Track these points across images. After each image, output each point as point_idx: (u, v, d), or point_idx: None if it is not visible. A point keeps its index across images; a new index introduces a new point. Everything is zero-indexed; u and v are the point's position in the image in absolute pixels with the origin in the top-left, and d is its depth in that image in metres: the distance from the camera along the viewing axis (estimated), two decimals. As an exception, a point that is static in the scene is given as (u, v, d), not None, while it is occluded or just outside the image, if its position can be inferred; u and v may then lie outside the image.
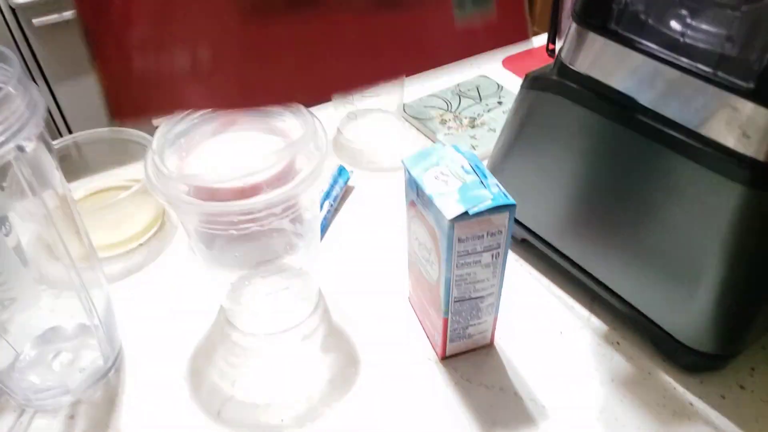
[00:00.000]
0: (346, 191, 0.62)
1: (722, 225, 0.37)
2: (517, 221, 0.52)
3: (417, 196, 0.41)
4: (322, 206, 0.58)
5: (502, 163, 0.52)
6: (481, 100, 0.74)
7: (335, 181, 0.60)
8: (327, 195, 0.59)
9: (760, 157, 0.34)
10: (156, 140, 0.42)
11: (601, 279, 0.46)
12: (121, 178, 0.59)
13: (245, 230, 0.41)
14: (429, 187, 0.39)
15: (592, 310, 0.48)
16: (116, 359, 0.47)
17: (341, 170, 0.61)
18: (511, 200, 0.38)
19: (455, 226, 0.37)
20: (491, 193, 0.38)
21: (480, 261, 0.40)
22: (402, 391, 0.44)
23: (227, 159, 0.43)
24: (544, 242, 0.50)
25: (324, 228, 0.57)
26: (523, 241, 0.52)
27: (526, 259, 0.53)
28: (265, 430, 0.42)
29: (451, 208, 0.37)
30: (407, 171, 0.41)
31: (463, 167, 0.40)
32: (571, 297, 0.49)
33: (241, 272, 0.50)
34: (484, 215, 0.38)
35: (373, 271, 0.53)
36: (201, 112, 0.43)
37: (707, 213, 0.38)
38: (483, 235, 0.38)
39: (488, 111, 0.71)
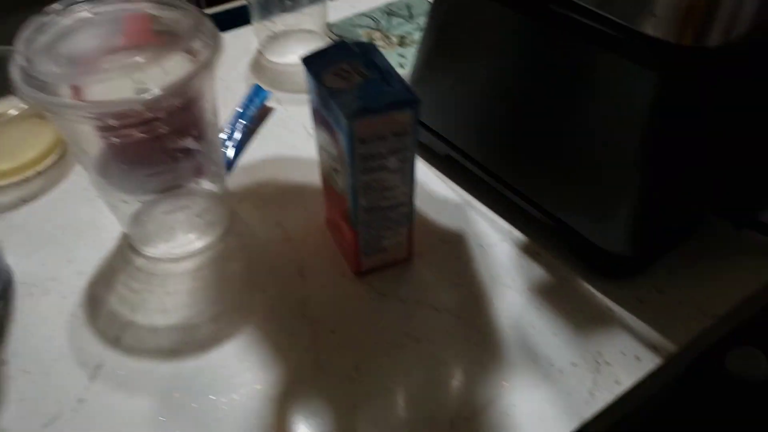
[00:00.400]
0: (266, 113, 0.58)
1: (639, 118, 0.35)
2: (439, 135, 0.49)
3: (318, 97, 0.38)
4: (235, 126, 0.55)
5: (421, 75, 0.49)
6: (412, 18, 0.70)
7: (250, 101, 0.56)
8: (241, 115, 0.55)
9: (670, 39, 0.32)
10: (20, 43, 0.38)
11: (521, 190, 0.45)
12: (12, 103, 0.54)
13: (128, 137, 0.37)
14: (328, 85, 0.36)
15: (513, 223, 0.47)
16: (4, 290, 0.43)
17: (257, 89, 0.58)
18: (415, 96, 0.35)
19: (355, 124, 0.34)
20: (394, 89, 0.35)
21: (386, 166, 0.37)
22: (313, 309, 0.41)
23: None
24: (465, 156, 0.48)
25: (239, 149, 0.54)
26: (447, 157, 0.50)
27: (450, 176, 0.51)
28: (166, 354, 0.39)
29: (349, 105, 0.34)
30: (306, 69, 0.38)
31: (365, 64, 0.37)
32: (493, 212, 0.48)
33: (144, 197, 0.46)
34: (386, 112, 0.35)
35: (289, 195, 0.50)
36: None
37: (623, 106, 0.36)
38: (387, 136, 0.36)
39: (419, 30, 0.68)
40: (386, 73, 0.36)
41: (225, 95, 0.60)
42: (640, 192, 0.37)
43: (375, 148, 0.36)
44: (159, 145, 0.42)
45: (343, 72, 0.37)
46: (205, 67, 0.37)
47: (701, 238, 0.44)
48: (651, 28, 0.32)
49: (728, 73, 0.35)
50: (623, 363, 0.37)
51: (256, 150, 0.55)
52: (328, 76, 0.37)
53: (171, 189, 0.45)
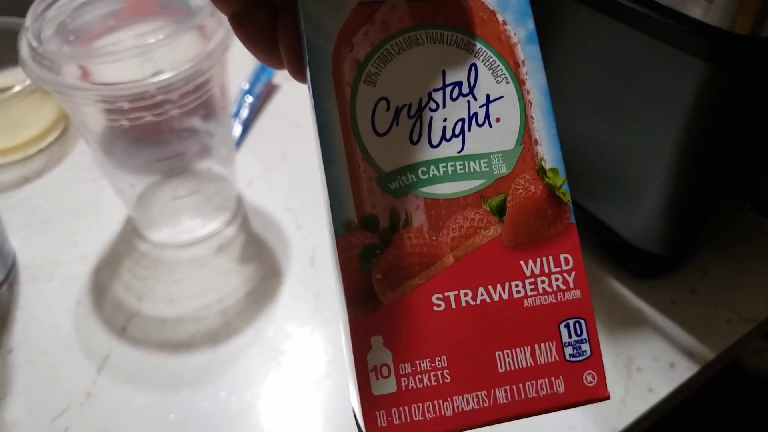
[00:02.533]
0: (271, 90, 0.55)
1: (680, 108, 0.33)
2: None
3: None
4: (241, 104, 0.52)
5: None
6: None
7: (257, 78, 0.54)
8: (248, 92, 0.53)
9: (724, 26, 0.30)
10: (29, 19, 0.35)
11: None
12: (17, 76, 0.52)
13: (138, 120, 0.35)
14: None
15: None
16: (8, 273, 0.42)
17: (264, 66, 0.55)
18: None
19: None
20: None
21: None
22: (325, 301, 0.39)
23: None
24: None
25: (245, 129, 0.51)
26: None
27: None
28: (174, 347, 0.37)
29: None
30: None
31: None
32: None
33: (150, 179, 0.44)
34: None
35: (299, 178, 0.48)
36: None
37: (664, 96, 0.33)
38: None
39: None
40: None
41: (231, 72, 0.57)
42: (678, 186, 0.35)
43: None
44: (167, 126, 0.39)
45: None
46: (221, 48, 0.34)
47: (736, 236, 0.42)
48: (702, 14, 0.30)
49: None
50: (656, 369, 0.35)
51: (263, 129, 0.52)
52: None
53: (178, 171, 0.43)
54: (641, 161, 0.36)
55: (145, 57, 0.34)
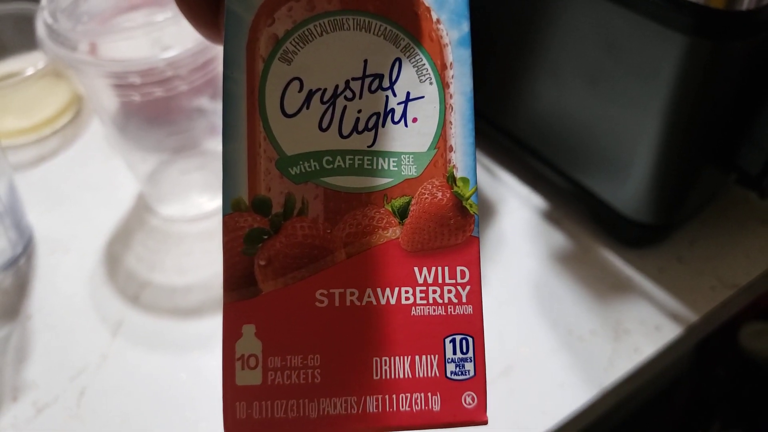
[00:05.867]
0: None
1: (663, 81, 0.34)
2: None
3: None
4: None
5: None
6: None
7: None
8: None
9: (701, 1, 0.31)
10: (45, 0, 0.37)
11: (542, 154, 0.44)
12: (31, 61, 0.54)
13: (149, 96, 0.37)
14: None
15: (533, 189, 0.46)
16: (26, 246, 0.44)
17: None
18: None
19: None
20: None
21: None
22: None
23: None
24: (485, 119, 0.47)
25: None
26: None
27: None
28: (185, 313, 0.39)
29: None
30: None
31: None
32: (513, 176, 0.47)
33: (161, 156, 0.46)
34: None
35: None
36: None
37: (649, 70, 0.35)
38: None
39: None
40: None
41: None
42: (664, 156, 0.37)
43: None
44: (177, 104, 0.41)
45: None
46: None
47: (724, 207, 0.44)
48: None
49: (761, 37, 0.34)
50: (643, 332, 0.37)
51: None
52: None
53: (187, 148, 0.45)
54: (629, 134, 0.38)
55: (155, 35, 0.35)
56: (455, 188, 0.18)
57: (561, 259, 0.41)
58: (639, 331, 0.37)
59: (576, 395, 0.34)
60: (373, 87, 0.17)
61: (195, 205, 0.46)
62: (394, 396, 0.17)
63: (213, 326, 0.39)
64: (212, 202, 0.46)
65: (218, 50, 0.37)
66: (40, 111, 0.52)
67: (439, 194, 0.17)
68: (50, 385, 0.36)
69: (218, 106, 0.43)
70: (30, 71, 0.49)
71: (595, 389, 0.35)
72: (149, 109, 0.42)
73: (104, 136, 0.52)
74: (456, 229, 0.17)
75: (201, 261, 0.42)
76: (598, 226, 0.43)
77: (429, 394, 0.17)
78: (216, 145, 0.46)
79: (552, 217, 0.44)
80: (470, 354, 0.17)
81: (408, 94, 0.18)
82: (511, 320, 0.38)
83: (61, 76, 0.54)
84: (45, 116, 0.52)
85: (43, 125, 0.52)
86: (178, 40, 0.36)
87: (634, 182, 0.39)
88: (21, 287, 0.42)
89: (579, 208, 0.44)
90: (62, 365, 0.37)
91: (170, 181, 0.46)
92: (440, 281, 0.17)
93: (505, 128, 0.46)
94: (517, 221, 0.44)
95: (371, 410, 0.17)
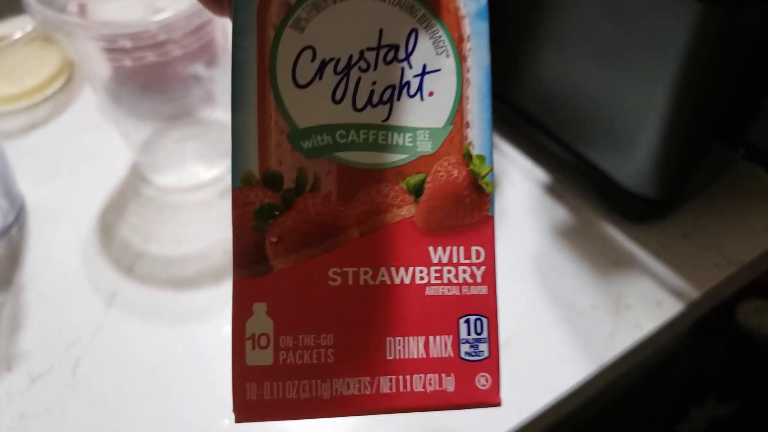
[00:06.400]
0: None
1: (672, 52, 0.33)
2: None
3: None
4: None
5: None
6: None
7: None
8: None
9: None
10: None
11: (546, 126, 0.43)
12: (19, 24, 0.52)
13: (141, 60, 0.36)
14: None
15: (537, 161, 0.45)
16: (18, 215, 0.43)
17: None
18: None
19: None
20: None
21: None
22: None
23: None
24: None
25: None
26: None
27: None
28: (180, 284, 0.39)
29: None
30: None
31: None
32: (515, 148, 0.46)
33: (155, 125, 0.45)
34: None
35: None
36: None
37: (659, 40, 0.34)
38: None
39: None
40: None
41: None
42: (671, 130, 0.36)
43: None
44: (171, 71, 0.40)
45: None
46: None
47: (730, 183, 0.43)
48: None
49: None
50: (644, 307, 0.37)
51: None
52: None
53: (182, 117, 0.44)
54: (636, 106, 0.37)
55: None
56: (471, 166, 0.17)
57: (563, 233, 0.41)
58: (640, 306, 0.37)
59: (576, 370, 0.34)
60: (389, 58, 0.17)
61: (191, 174, 0.45)
62: (407, 376, 0.16)
63: (209, 297, 0.38)
64: (208, 172, 0.45)
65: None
66: (30, 77, 0.50)
67: (455, 172, 0.17)
68: (44, 355, 0.36)
69: (215, 73, 0.42)
70: (18, 35, 0.47)
71: (594, 364, 0.34)
72: (142, 76, 0.41)
73: (97, 103, 0.51)
74: (471, 208, 0.17)
75: (197, 231, 0.42)
76: (601, 201, 0.42)
77: (443, 375, 0.17)
78: (212, 113, 0.45)
79: (554, 190, 0.43)
80: (485, 334, 0.17)
81: (424, 66, 0.17)
82: (512, 294, 0.38)
83: (50, 40, 0.52)
84: (35, 82, 0.50)
85: (33, 92, 0.50)
86: (171, 2, 0.35)
87: (639, 156, 0.38)
88: (13, 257, 0.41)
89: (582, 182, 0.43)
90: (56, 336, 0.36)
91: (165, 151, 0.45)
92: (455, 261, 0.17)
93: (507, 99, 0.45)
94: (519, 195, 0.43)
95: (385, 390, 0.16)
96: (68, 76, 0.53)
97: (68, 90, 0.52)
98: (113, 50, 0.36)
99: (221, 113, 0.45)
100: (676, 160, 0.37)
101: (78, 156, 0.47)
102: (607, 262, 0.39)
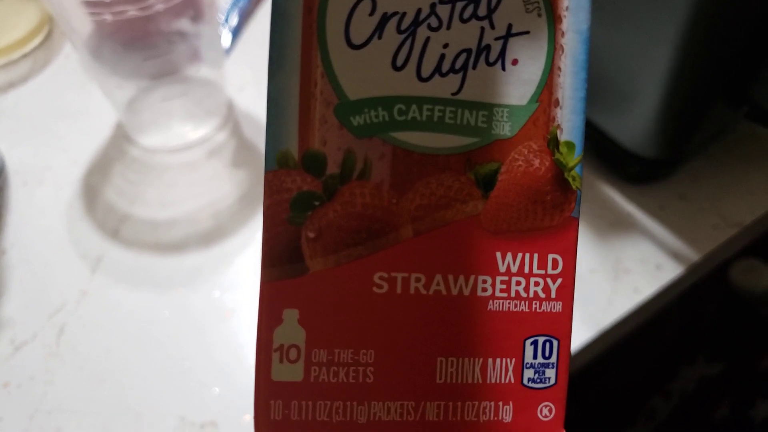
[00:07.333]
0: (266, -4, 0.54)
1: (676, 6, 0.32)
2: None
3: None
4: (232, 10, 0.51)
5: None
6: None
7: (250, -18, 0.52)
8: (241, -3, 0.51)
9: None
10: None
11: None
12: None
13: (122, 15, 0.34)
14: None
15: (532, 122, 0.44)
16: (-3, 178, 0.41)
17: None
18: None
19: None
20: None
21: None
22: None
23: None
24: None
25: (236, 34, 0.50)
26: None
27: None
28: (167, 248, 0.38)
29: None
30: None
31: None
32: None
33: (139, 83, 0.43)
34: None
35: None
36: None
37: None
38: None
39: None
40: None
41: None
42: (673, 87, 0.35)
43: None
44: (154, 27, 0.38)
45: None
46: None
47: (730, 144, 0.42)
48: None
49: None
50: (643, 271, 0.36)
51: (254, 34, 0.51)
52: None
53: (167, 74, 0.42)
54: (637, 63, 0.35)
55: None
56: (557, 155, 0.14)
57: (560, 195, 0.40)
58: (639, 270, 0.36)
59: (574, 335, 0.34)
60: (466, 14, 0.14)
61: (177, 134, 0.43)
62: (458, 403, 0.14)
63: (197, 262, 0.37)
64: (195, 132, 0.43)
65: (197, -36, 0.34)
66: (7, 33, 0.48)
67: (536, 162, 0.14)
68: (28, 322, 0.35)
69: (201, 29, 0.40)
70: (-7, -12, 0.45)
71: (593, 329, 0.34)
72: (124, 31, 0.39)
73: (78, 60, 0.49)
74: (552, 208, 0.14)
75: (184, 194, 0.40)
76: (600, 161, 0.41)
77: (500, 403, 0.14)
78: (198, 71, 0.43)
79: (551, 151, 0.42)
80: (553, 359, 0.14)
81: (509, 27, 0.14)
82: (508, 258, 0.37)
83: (28, -5, 0.50)
84: (12, 39, 0.48)
85: (10, 49, 0.48)
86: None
87: (640, 115, 0.37)
88: (-6, 220, 0.40)
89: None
90: (40, 302, 0.35)
91: (150, 110, 0.43)
92: (526, 271, 0.14)
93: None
94: (515, 155, 0.42)
95: (431, 418, 0.14)
96: (48, 32, 0.51)
97: (48, 46, 0.50)
98: (92, 3, 0.34)
99: (207, 71, 0.43)
100: (678, 119, 0.36)
101: (59, 116, 0.45)
102: (605, 224, 0.38)
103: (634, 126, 0.37)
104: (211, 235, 0.38)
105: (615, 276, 0.36)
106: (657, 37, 0.34)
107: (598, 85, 0.38)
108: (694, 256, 0.37)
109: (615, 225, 0.38)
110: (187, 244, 0.38)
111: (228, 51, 0.49)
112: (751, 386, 0.74)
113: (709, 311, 0.74)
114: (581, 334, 0.33)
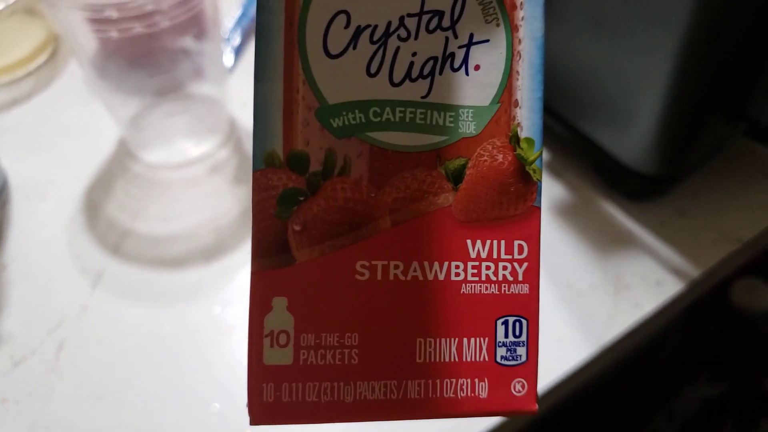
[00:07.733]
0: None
1: (673, 22, 0.32)
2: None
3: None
4: (235, 29, 0.51)
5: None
6: None
7: (250, 1, 0.52)
8: (242, 17, 0.52)
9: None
10: None
11: (543, 101, 0.42)
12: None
13: (128, 32, 0.35)
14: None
15: (532, 139, 0.44)
16: (1, 193, 0.41)
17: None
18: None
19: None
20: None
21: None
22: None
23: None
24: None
25: (238, 53, 0.51)
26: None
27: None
28: (168, 264, 0.38)
29: None
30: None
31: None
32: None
33: (143, 100, 0.44)
34: None
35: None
36: None
37: (656, 9, 0.33)
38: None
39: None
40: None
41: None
42: (671, 104, 0.35)
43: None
44: (159, 44, 0.39)
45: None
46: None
47: (728, 160, 0.42)
48: None
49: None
50: (644, 287, 0.36)
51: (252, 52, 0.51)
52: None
53: (171, 91, 0.43)
54: (635, 79, 0.36)
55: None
56: (518, 150, 0.15)
57: (561, 211, 0.40)
58: (640, 286, 0.36)
59: (575, 351, 0.33)
60: (432, 26, 0.15)
61: (179, 151, 0.44)
62: (437, 381, 0.15)
63: (198, 277, 0.37)
64: (198, 148, 0.43)
65: (201, -18, 0.35)
66: (13, 51, 0.49)
67: (500, 157, 0.15)
68: (28, 337, 0.35)
69: (204, 47, 0.41)
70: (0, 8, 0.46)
71: (594, 345, 0.34)
72: (129, 48, 0.39)
73: (82, 78, 0.49)
74: (516, 198, 0.16)
75: (186, 209, 0.41)
76: (600, 178, 0.41)
77: (476, 380, 0.15)
78: (201, 87, 0.43)
79: (552, 167, 0.42)
80: (523, 337, 0.16)
81: (471, 36, 0.15)
82: (509, 274, 0.37)
83: (34, 13, 0.51)
84: (18, 57, 0.49)
85: (16, 66, 0.49)
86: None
87: (638, 131, 0.37)
88: (-4, 235, 0.40)
89: (580, 159, 0.42)
90: (40, 317, 0.35)
91: (153, 126, 0.43)
92: (495, 256, 0.16)
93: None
94: (516, 172, 0.42)
95: (412, 396, 0.15)
96: (53, 50, 0.51)
97: (53, 64, 0.50)
98: (99, 21, 0.35)
99: (210, 88, 0.43)
100: (676, 135, 0.36)
101: (63, 132, 0.45)
102: (605, 240, 0.38)
103: (633, 142, 0.37)
104: (213, 250, 0.38)
105: (615, 291, 0.36)
106: (655, 55, 0.34)
107: (597, 102, 0.38)
108: (694, 271, 0.37)
109: (615, 241, 0.38)
110: (188, 260, 0.38)
111: (231, 69, 0.49)
112: (755, 407, 0.74)
113: (711, 330, 0.73)
114: (582, 350, 0.33)
